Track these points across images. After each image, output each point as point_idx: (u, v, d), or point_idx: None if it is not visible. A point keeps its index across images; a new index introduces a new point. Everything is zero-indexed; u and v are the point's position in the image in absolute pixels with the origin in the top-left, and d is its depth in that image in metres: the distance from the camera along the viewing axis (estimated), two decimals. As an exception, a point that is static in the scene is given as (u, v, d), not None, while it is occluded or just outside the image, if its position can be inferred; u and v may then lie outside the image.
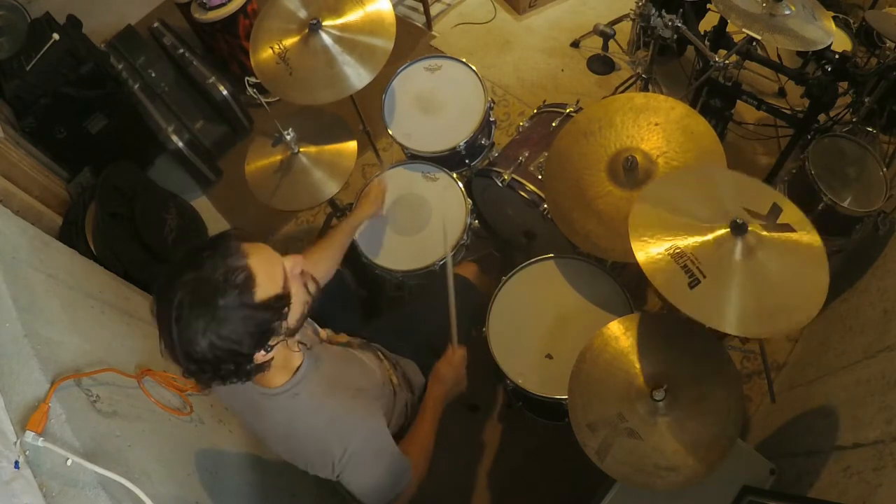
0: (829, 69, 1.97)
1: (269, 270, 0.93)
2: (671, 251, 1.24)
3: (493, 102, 2.37)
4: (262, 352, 0.94)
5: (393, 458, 1.18)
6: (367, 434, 1.14)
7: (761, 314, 1.17)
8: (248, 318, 0.89)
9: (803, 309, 1.17)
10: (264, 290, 0.90)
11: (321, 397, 1.12)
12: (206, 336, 0.86)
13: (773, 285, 1.19)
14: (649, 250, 1.25)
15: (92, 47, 2.52)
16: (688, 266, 1.22)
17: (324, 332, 1.41)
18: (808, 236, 1.24)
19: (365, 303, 1.90)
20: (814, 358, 1.87)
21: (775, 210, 1.28)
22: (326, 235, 1.63)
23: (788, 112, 2.08)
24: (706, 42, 2.09)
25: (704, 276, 1.21)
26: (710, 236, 1.25)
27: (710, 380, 1.30)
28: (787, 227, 1.25)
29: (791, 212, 1.28)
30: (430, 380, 1.43)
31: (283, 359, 1.05)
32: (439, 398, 1.40)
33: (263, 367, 0.97)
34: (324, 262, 1.52)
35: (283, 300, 0.94)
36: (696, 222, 1.27)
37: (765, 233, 1.24)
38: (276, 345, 0.96)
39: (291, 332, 0.99)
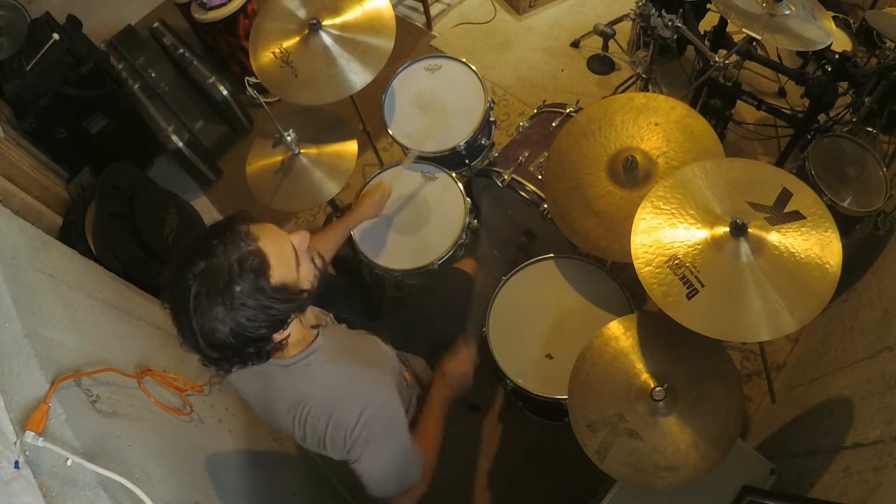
0: (829, 69, 1.97)
1: (280, 251, 0.94)
2: (670, 263, 1.24)
3: (493, 102, 2.37)
4: (281, 331, 0.96)
5: (405, 438, 1.16)
6: (381, 403, 1.12)
7: (764, 315, 1.17)
8: (266, 303, 0.90)
9: (810, 302, 1.15)
10: (279, 272, 0.92)
11: (334, 365, 1.11)
12: (227, 323, 0.87)
13: (779, 283, 1.18)
14: (650, 262, 1.25)
15: (92, 47, 2.52)
16: (686, 276, 1.22)
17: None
18: (819, 220, 1.21)
19: (373, 304, 1.90)
20: (814, 358, 1.87)
21: (784, 197, 1.25)
22: (322, 231, 1.62)
23: (788, 112, 2.08)
24: (706, 42, 2.09)
25: (703, 285, 1.21)
26: (709, 242, 1.24)
27: (710, 380, 1.30)
28: (796, 216, 1.23)
29: (801, 195, 1.25)
30: (435, 377, 1.42)
31: (298, 333, 1.05)
32: (445, 400, 1.38)
33: (282, 344, 0.99)
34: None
35: (300, 292, 0.95)
36: (696, 227, 1.27)
37: (771, 227, 1.23)
38: (292, 322, 0.98)
39: (303, 307, 1.00)
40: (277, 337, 0.96)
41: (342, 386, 1.10)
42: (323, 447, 1.13)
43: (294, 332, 1.02)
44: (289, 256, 0.95)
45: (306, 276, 0.98)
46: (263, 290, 0.89)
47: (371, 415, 1.09)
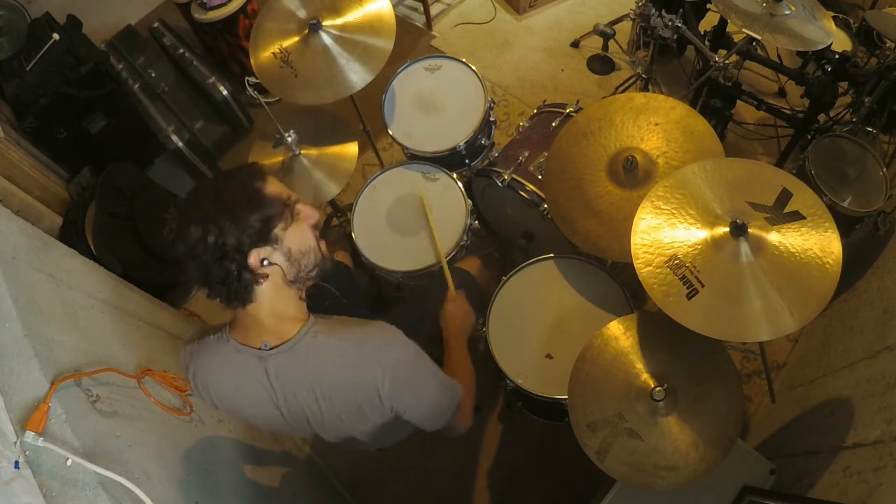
0: (829, 69, 1.97)
1: (281, 186, 1.03)
2: (670, 263, 1.24)
3: (493, 102, 2.37)
4: (259, 259, 0.98)
5: (433, 370, 1.17)
6: (400, 345, 1.11)
7: (764, 315, 1.17)
8: (252, 206, 0.96)
9: (811, 302, 1.15)
10: (271, 187, 1.00)
11: (341, 328, 1.10)
12: (214, 220, 0.94)
13: (779, 283, 1.18)
14: (650, 262, 1.25)
15: (92, 47, 2.52)
16: (686, 276, 1.22)
17: None
18: (819, 220, 1.22)
19: (374, 304, 1.90)
20: (814, 358, 1.87)
21: (783, 197, 1.25)
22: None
23: (788, 112, 2.08)
24: (706, 42, 2.09)
25: (703, 286, 1.21)
26: (709, 242, 1.24)
27: (710, 380, 1.30)
28: (796, 216, 1.23)
29: (801, 195, 1.25)
30: (441, 321, 1.48)
31: (289, 304, 1.06)
32: (457, 332, 1.44)
33: (256, 280, 0.99)
34: None
35: (288, 206, 1.01)
36: (696, 227, 1.27)
37: (771, 227, 1.23)
38: (274, 265, 1.00)
39: (295, 274, 1.03)
40: (254, 262, 0.97)
41: (358, 344, 1.08)
42: (360, 415, 1.13)
43: (282, 301, 1.04)
44: (285, 191, 1.03)
45: (304, 236, 1.04)
46: (252, 188, 0.98)
47: (395, 359, 1.09)
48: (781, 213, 1.24)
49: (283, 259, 1.01)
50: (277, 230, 1.00)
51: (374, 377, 1.07)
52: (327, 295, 1.56)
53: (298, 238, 1.03)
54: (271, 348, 1.05)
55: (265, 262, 0.99)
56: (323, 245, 1.09)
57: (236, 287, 0.98)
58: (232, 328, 1.08)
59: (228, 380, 1.11)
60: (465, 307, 1.52)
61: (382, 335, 1.11)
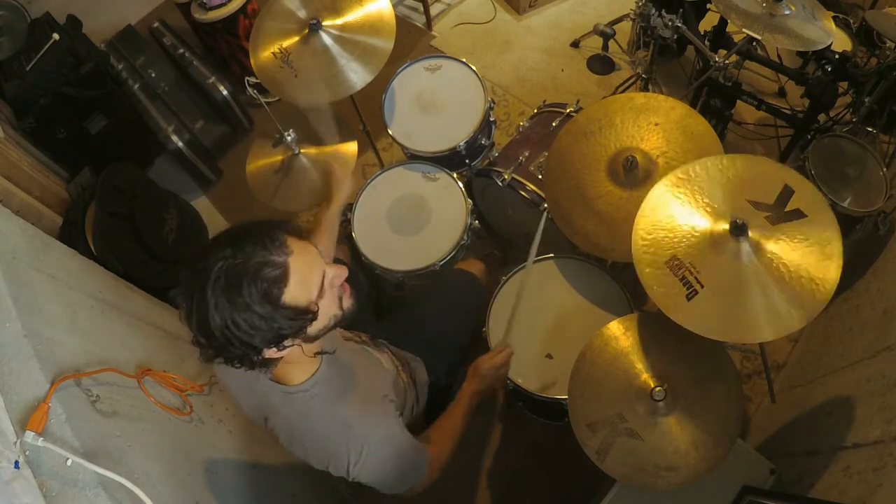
0: (829, 69, 1.97)
1: (305, 277, 0.91)
2: (670, 263, 1.24)
3: (493, 102, 2.37)
4: (275, 349, 0.93)
5: (410, 455, 1.18)
6: (383, 438, 1.14)
7: (764, 315, 1.17)
8: (267, 317, 0.87)
9: (811, 302, 1.15)
10: (293, 295, 0.89)
11: (338, 401, 1.11)
12: (223, 316, 0.85)
13: (779, 283, 1.18)
14: (650, 263, 1.25)
15: (92, 47, 2.52)
16: (686, 277, 1.22)
17: (338, 333, 1.41)
18: (820, 217, 1.21)
19: (375, 303, 1.90)
20: (814, 358, 1.87)
21: (785, 195, 1.24)
22: (317, 230, 1.55)
23: (788, 112, 2.08)
24: (706, 42, 2.09)
25: (702, 286, 1.21)
26: (709, 241, 1.24)
27: (710, 380, 1.30)
28: (797, 214, 1.23)
29: (802, 192, 1.24)
30: (470, 373, 1.43)
31: (299, 358, 1.02)
32: (475, 394, 1.40)
33: (272, 363, 0.96)
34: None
35: (308, 314, 0.91)
36: (696, 227, 1.27)
37: (771, 226, 1.22)
38: (290, 346, 0.95)
39: (310, 339, 0.98)
40: (270, 354, 0.92)
41: (345, 425, 1.10)
42: (324, 468, 1.14)
43: (294, 358, 1.00)
44: (312, 284, 0.92)
45: (324, 311, 0.95)
46: (268, 304, 0.86)
47: (373, 448, 1.10)
48: (782, 211, 1.24)
49: (301, 340, 0.96)
50: (296, 335, 0.94)
51: (349, 458, 1.09)
52: None
53: (320, 322, 0.95)
54: (270, 378, 1.07)
55: (282, 349, 0.94)
56: (346, 300, 1.01)
57: (248, 366, 0.95)
58: None
59: (236, 390, 1.18)
60: (502, 370, 1.46)
61: (374, 421, 1.14)
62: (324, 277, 0.94)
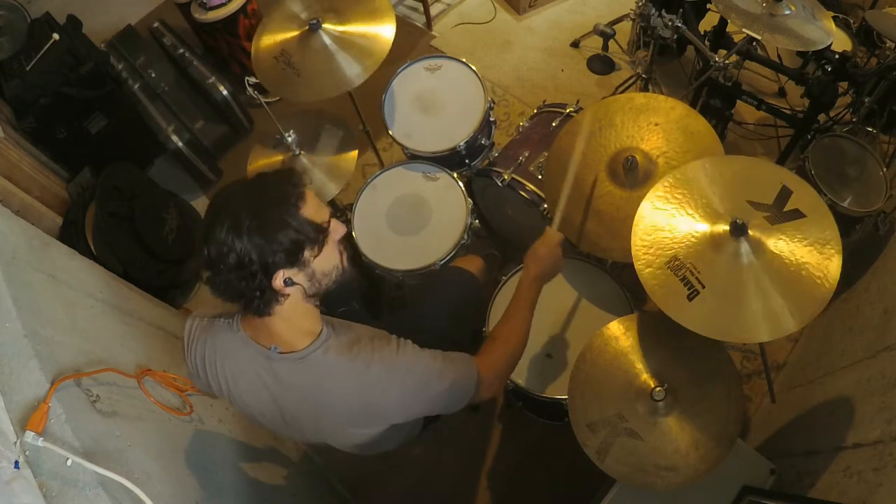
0: (829, 69, 1.97)
1: (318, 206, 1.02)
2: (670, 264, 1.24)
3: (493, 102, 2.37)
4: (282, 280, 0.97)
5: (445, 371, 1.14)
6: (408, 365, 1.11)
7: (765, 315, 1.17)
8: (287, 223, 0.95)
9: (811, 301, 1.15)
10: (310, 212, 0.99)
11: (350, 349, 1.09)
12: (247, 226, 0.93)
13: (779, 283, 1.18)
14: (650, 264, 1.25)
15: (92, 47, 2.52)
16: (686, 277, 1.22)
17: None
18: (819, 216, 1.21)
19: (368, 299, 1.89)
20: (814, 358, 1.87)
21: (783, 195, 1.24)
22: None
23: (788, 112, 2.08)
24: (706, 42, 2.09)
25: (703, 286, 1.21)
26: (709, 242, 1.24)
27: (710, 380, 1.30)
28: (796, 214, 1.23)
29: (801, 192, 1.24)
30: (526, 261, 1.35)
31: (305, 317, 1.06)
32: (536, 278, 1.33)
33: (277, 298, 0.99)
34: None
35: (321, 230, 1.01)
36: (696, 227, 1.27)
37: (771, 226, 1.22)
38: (296, 284, 1.00)
39: (315, 287, 1.03)
40: (277, 284, 0.97)
41: (366, 366, 1.08)
42: (355, 431, 1.15)
43: (298, 314, 1.04)
44: (324, 211, 1.03)
45: (329, 258, 1.04)
46: (291, 213, 0.96)
47: (404, 383, 1.10)
48: (781, 211, 1.24)
49: (306, 279, 1.02)
50: (307, 254, 1.00)
51: (378, 402, 1.09)
52: (340, 303, 1.55)
53: (325, 259, 1.03)
54: (281, 352, 1.06)
55: (288, 282, 0.98)
56: (345, 258, 1.09)
57: (256, 302, 0.98)
58: (242, 321, 1.09)
59: (233, 366, 1.12)
60: (557, 252, 1.36)
61: (389, 358, 1.11)
62: (329, 218, 1.04)
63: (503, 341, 1.27)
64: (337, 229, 1.05)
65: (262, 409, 1.16)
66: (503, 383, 1.24)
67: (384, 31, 1.74)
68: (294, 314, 1.04)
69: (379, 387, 1.09)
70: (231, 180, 1.04)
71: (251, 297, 0.97)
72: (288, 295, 1.00)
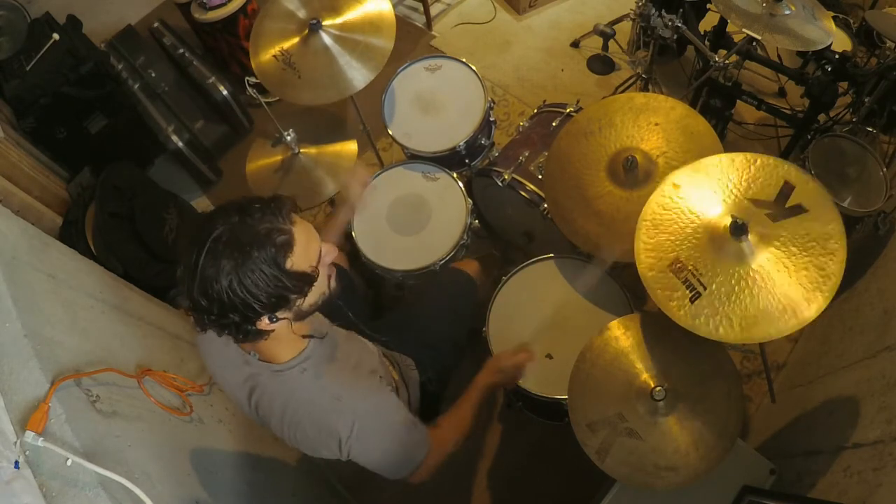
0: (829, 69, 1.97)
1: (307, 246, 0.97)
2: (672, 266, 1.24)
3: (493, 102, 2.37)
4: (268, 319, 0.96)
5: (405, 432, 1.17)
6: (374, 409, 1.13)
7: (766, 316, 1.17)
8: (273, 279, 0.91)
9: (814, 298, 1.15)
10: (297, 260, 0.94)
11: (327, 375, 1.11)
12: (229, 278, 0.88)
13: (780, 283, 1.18)
14: (653, 267, 1.26)
15: (92, 47, 2.52)
16: (688, 279, 1.22)
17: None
18: (822, 210, 1.21)
19: (372, 303, 1.90)
20: (814, 358, 1.87)
21: (785, 191, 1.24)
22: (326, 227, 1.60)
23: (788, 112, 2.08)
24: (706, 42, 2.09)
25: (705, 288, 1.21)
26: (711, 243, 1.24)
27: (710, 380, 1.29)
28: (798, 210, 1.22)
29: (803, 187, 1.24)
30: (489, 365, 1.44)
31: (288, 337, 1.06)
32: (488, 386, 1.41)
33: (262, 334, 0.99)
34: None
35: (309, 279, 0.97)
36: (697, 228, 1.27)
37: (772, 225, 1.22)
38: (282, 319, 0.98)
39: (300, 317, 1.02)
40: (263, 324, 0.96)
41: (335, 397, 1.11)
42: (316, 452, 1.15)
43: (283, 336, 1.03)
44: (312, 254, 0.98)
45: (316, 288, 1.00)
46: (276, 267, 0.91)
47: (365, 422, 1.11)
48: (783, 207, 1.24)
49: (292, 315, 1.01)
50: (293, 300, 0.97)
51: (340, 433, 1.09)
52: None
53: (313, 295, 1.01)
54: (259, 360, 1.08)
55: (273, 320, 0.97)
56: (332, 281, 1.07)
57: (240, 337, 0.98)
58: None
59: (218, 361, 1.17)
60: (521, 368, 1.47)
61: (366, 392, 1.14)
62: (320, 252, 1.00)
63: (452, 428, 1.32)
64: (326, 256, 1.02)
65: (241, 407, 1.19)
66: (435, 470, 1.26)
67: (384, 31, 1.74)
68: (278, 336, 1.03)
69: (344, 417, 1.09)
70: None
71: (235, 334, 0.97)
72: (273, 329, 0.99)
